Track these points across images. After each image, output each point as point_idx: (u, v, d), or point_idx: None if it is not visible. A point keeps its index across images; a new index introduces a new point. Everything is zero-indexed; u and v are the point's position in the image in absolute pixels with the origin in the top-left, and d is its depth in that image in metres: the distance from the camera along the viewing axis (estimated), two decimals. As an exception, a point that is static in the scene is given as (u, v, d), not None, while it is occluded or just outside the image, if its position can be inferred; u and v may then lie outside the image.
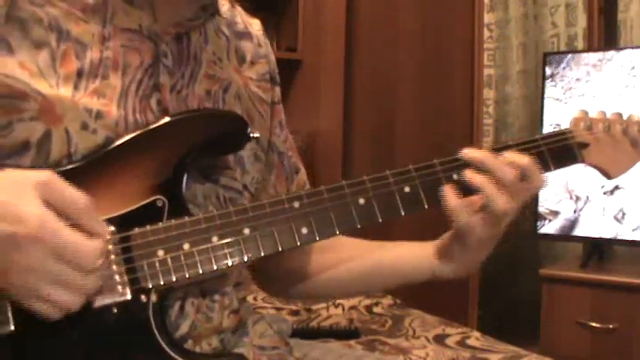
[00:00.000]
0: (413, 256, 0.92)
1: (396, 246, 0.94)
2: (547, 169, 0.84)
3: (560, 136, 0.86)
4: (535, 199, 2.40)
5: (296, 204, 0.76)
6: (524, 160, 0.80)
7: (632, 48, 2.36)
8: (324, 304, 1.84)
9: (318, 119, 2.47)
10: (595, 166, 0.88)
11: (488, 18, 2.86)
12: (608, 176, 0.89)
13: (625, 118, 0.89)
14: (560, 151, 0.85)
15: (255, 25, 0.97)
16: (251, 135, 0.79)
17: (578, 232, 2.37)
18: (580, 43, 2.73)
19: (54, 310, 0.62)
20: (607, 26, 2.63)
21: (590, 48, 2.62)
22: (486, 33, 2.86)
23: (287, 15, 2.48)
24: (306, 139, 2.42)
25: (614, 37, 2.63)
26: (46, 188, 0.62)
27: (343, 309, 1.83)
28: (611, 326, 2.14)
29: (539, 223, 2.43)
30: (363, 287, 1.02)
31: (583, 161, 0.87)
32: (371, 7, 2.56)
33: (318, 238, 0.76)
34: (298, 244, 0.75)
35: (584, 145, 0.86)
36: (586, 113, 0.88)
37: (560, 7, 2.81)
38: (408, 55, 2.64)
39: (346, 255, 0.95)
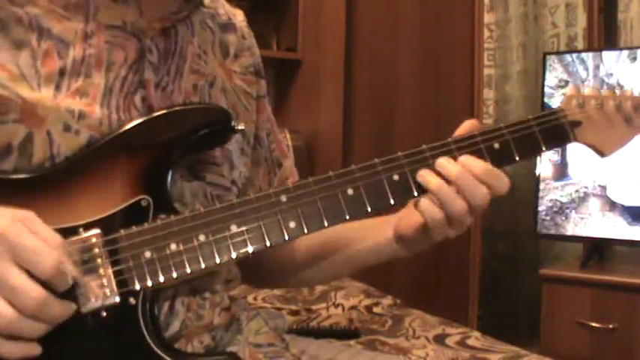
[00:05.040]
0: (377, 246, 0.90)
1: (360, 236, 0.91)
2: (539, 150, 0.82)
3: (551, 115, 0.83)
4: (535, 200, 2.40)
5: (283, 197, 0.74)
6: (479, 167, 0.77)
7: (632, 48, 2.36)
8: (324, 304, 1.84)
9: (318, 119, 2.47)
10: (588, 145, 0.85)
11: (488, 18, 2.86)
12: (602, 154, 0.86)
13: (618, 93, 0.86)
14: (552, 131, 0.82)
15: (239, 16, 0.95)
16: (236, 127, 0.78)
17: (578, 232, 2.37)
18: (580, 43, 2.73)
19: None
20: (607, 26, 2.63)
21: (590, 48, 2.62)
22: (486, 33, 2.86)
23: (287, 15, 2.48)
24: (306, 139, 2.42)
25: (614, 37, 2.63)
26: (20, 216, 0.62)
27: (343, 309, 1.83)
28: (611, 326, 2.14)
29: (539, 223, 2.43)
30: (332, 275, 1.02)
31: (575, 140, 0.84)
32: (371, 7, 2.56)
33: (306, 232, 0.74)
34: (287, 238, 0.73)
35: (577, 124, 0.83)
36: (578, 90, 0.86)
37: (560, 7, 2.81)
38: (408, 55, 2.64)
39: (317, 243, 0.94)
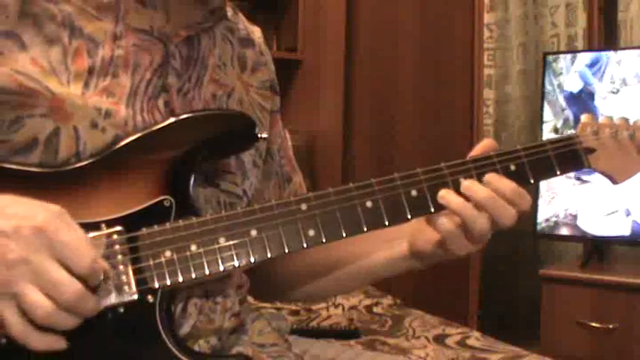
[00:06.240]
0: (391, 260, 0.91)
1: (371, 249, 0.93)
2: (553, 174, 0.84)
3: (567, 141, 0.86)
4: (535, 200, 2.40)
5: (303, 206, 0.75)
6: (508, 187, 0.79)
7: (632, 48, 2.37)
8: (324, 304, 1.84)
9: (318, 119, 2.47)
10: (601, 172, 0.88)
11: (488, 18, 2.86)
12: (614, 181, 0.89)
13: (632, 123, 0.89)
14: (567, 156, 0.85)
15: (257, 33, 0.97)
16: (259, 135, 0.79)
17: (578, 232, 2.37)
18: (580, 43, 2.73)
19: (16, 319, 0.60)
20: (607, 26, 2.63)
21: (590, 48, 2.62)
22: (486, 33, 2.86)
23: (287, 15, 2.49)
24: (306, 139, 2.42)
25: (614, 37, 2.63)
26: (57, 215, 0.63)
27: (343, 309, 1.83)
28: (611, 326, 2.14)
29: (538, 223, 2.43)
30: (342, 290, 1.02)
31: (589, 166, 0.87)
32: (371, 7, 2.56)
33: (324, 241, 0.75)
34: (305, 246, 0.75)
35: (591, 150, 0.87)
36: (593, 118, 0.89)
37: (560, 7, 2.81)
38: (408, 55, 2.64)
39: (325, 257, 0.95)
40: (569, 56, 2.43)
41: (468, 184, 0.79)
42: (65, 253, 0.61)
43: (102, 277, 0.65)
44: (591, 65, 2.37)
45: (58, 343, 0.63)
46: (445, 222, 0.79)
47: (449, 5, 2.73)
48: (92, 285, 0.64)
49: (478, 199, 0.78)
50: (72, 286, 0.61)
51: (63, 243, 0.61)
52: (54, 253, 0.61)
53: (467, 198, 0.78)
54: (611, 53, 2.35)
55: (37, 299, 0.60)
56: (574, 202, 2.37)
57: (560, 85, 2.43)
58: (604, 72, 2.33)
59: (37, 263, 0.60)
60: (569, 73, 2.41)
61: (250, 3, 2.23)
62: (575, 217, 2.37)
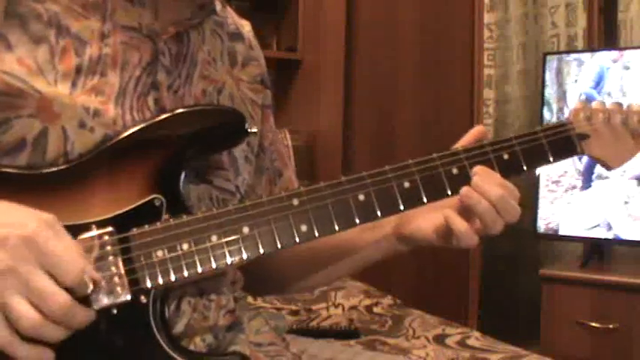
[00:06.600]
0: (374, 241, 0.91)
1: (358, 231, 0.91)
2: (546, 161, 0.84)
3: (559, 127, 0.85)
4: (535, 199, 2.40)
5: (295, 201, 0.75)
6: (495, 194, 0.79)
7: (632, 48, 2.36)
8: (324, 304, 1.84)
9: (318, 119, 2.47)
10: (595, 158, 0.87)
11: (488, 18, 2.86)
12: (608, 167, 0.88)
13: (625, 108, 0.87)
14: (560, 142, 0.84)
15: (246, 27, 0.96)
16: (249, 130, 0.79)
17: (578, 232, 2.37)
18: (580, 43, 2.73)
19: (2, 329, 0.60)
20: (607, 26, 2.63)
21: (590, 48, 2.62)
22: (486, 33, 2.86)
23: (287, 15, 2.48)
24: (306, 139, 2.42)
25: (614, 37, 2.63)
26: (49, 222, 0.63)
27: (343, 309, 1.83)
28: (611, 326, 2.14)
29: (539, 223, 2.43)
30: (333, 275, 1.01)
31: (583, 153, 0.86)
32: (371, 7, 2.56)
33: (317, 235, 0.75)
34: (297, 241, 0.74)
35: (584, 137, 0.85)
36: (586, 104, 0.87)
37: (560, 7, 2.81)
38: (408, 55, 2.64)
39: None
40: (555, 66, 2.44)
41: (479, 183, 0.79)
42: (53, 264, 0.61)
43: (91, 288, 0.64)
44: (596, 86, 2.37)
45: (45, 355, 0.62)
46: (465, 226, 0.79)
47: (449, 5, 2.73)
48: (81, 295, 0.63)
49: (491, 197, 0.78)
50: (59, 297, 0.61)
51: (52, 253, 0.61)
52: (42, 264, 0.60)
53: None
54: (609, 58, 2.35)
55: (23, 310, 0.59)
56: (555, 216, 2.38)
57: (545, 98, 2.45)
58: (605, 85, 2.33)
59: (25, 273, 0.60)
60: (554, 85, 2.42)
61: (250, 3, 2.23)
62: (556, 231, 2.40)
